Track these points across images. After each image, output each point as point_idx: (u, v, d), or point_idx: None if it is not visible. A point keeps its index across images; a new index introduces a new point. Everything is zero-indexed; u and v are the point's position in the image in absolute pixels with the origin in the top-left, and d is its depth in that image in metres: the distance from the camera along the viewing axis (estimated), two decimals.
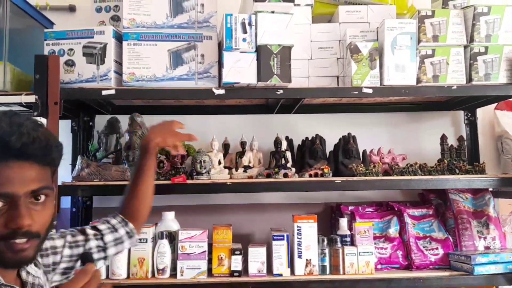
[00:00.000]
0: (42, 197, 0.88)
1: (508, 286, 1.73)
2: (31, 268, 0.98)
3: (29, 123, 0.87)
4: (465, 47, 1.74)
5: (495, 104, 2.04)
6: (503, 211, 1.91)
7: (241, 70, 1.63)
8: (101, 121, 1.97)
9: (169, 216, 1.76)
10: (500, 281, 1.67)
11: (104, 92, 1.64)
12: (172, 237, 1.71)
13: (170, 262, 1.67)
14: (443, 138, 1.89)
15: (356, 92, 1.68)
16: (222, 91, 1.65)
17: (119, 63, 1.70)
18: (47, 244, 1.08)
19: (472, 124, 2.05)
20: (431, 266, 1.73)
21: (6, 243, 0.84)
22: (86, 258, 1.10)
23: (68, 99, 1.65)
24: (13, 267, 0.89)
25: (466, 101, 1.96)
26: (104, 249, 1.21)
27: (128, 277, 1.65)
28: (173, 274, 1.67)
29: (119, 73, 1.70)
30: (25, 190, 0.85)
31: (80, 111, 1.94)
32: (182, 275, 1.64)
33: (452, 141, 1.94)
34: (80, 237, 1.17)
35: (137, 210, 1.32)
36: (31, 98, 1.58)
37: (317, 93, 1.71)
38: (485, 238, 1.78)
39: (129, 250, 1.65)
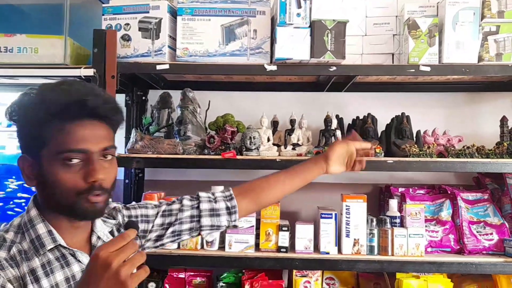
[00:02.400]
0: (109, 156, 0.94)
1: None
2: (103, 234, 1.03)
3: (99, 88, 0.95)
4: None
5: None
6: None
7: (294, 45, 1.61)
8: (153, 95, 2.02)
9: (219, 190, 1.78)
10: None
11: (158, 67, 1.67)
12: None
13: (219, 235, 1.71)
14: (503, 120, 1.80)
15: (413, 70, 1.63)
16: (274, 67, 1.64)
17: (173, 38, 1.72)
18: (138, 212, 1.13)
19: None
20: (484, 252, 1.68)
21: (84, 197, 0.90)
22: (130, 224, 1.05)
23: (124, 73, 1.69)
24: (88, 219, 0.96)
25: None
26: (198, 219, 1.18)
27: (178, 247, 1.70)
28: (222, 247, 1.71)
29: (173, 48, 1.72)
30: (98, 147, 0.91)
31: (134, 85, 1.99)
32: (230, 248, 1.68)
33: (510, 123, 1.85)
34: (176, 206, 1.18)
35: (259, 194, 1.26)
36: (90, 72, 1.64)
37: (371, 70, 1.67)
38: None
39: None
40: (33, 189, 0.96)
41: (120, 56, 1.69)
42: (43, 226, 0.93)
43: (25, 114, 0.91)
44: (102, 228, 1.03)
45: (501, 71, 1.63)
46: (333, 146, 1.28)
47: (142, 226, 1.13)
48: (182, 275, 1.79)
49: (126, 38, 1.71)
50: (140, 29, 1.70)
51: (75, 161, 0.89)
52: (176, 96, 1.89)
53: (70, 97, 0.88)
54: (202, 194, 1.22)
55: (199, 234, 1.20)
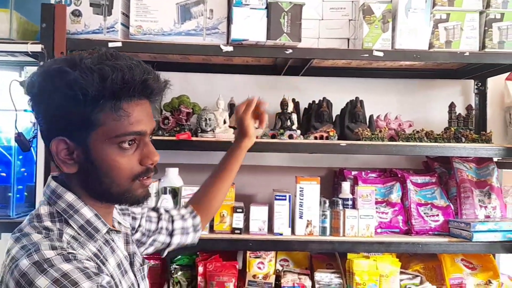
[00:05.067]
0: (151, 137, 0.90)
1: (505, 254, 1.76)
2: (123, 219, 1.00)
3: (149, 66, 0.87)
4: (481, 12, 1.70)
5: (506, 74, 2.00)
6: (506, 182, 1.91)
7: (250, 27, 1.60)
8: None
9: (173, 172, 1.77)
10: (498, 249, 1.69)
11: (110, 44, 1.61)
12: (175, 193, 1.73)
13: None
14: (452, 106, 1.86)
15: (367, 55, 1.65)
16: (230, 48, 1.63)
17: (126, 15, 1.67)
18: (138, 209, 1.10)
19: (481, 94, 2.02)
20: (430, 232, 1.75)
21: (140, 181, 0.86)
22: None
23: (74, 49, 1.63)
24: (138, 204, 0.90)
25: (477, 70, 1.93)
26: (171, 234, 1.18)
27: None
28: None
29: (126, 25, 1.67)
30: (150, 128, 0.87)
31: None
32: None
33: (460, 110, 1.92)
34: (153, 214, 1.16)
35: (210, 206, 1.29)
36: (37, 48, 1.57)
37: (326, 54, 1.68)
38: (486, 207, 1.79)
39: None
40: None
41: (70, 32, 1.62)
42: (89, 211, 0.86)
43: (65, 92, 0.79)
44: (116, 215, 1.00)
45: (450, 58, 1.68)
46: (238, 123, 1.40)
47: (131, 221, 1.09)
48: None
49: (77, 14, 1.64)
50: (91, 4, 1.63)
51: (131, 144, 0.84)
52: None
53: (132, 76, 0.81)
54: (173, 212, 1.21)
55: (160, 250, 1.20)
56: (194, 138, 1.67)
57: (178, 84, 1.96)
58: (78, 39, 1.62)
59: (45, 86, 0.81)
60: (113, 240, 0.91)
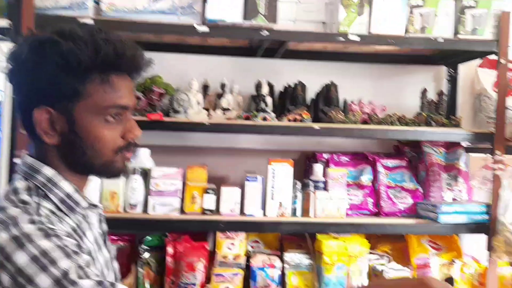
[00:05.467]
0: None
1: (469, 234, 1.81)
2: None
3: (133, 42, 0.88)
4: None
5: (478, 62, 2.03)
6: (473, 166, 1.96)
7: (226, 7, 1.58)
8: None
9: (144, 153, 1.75)
10: (463, 230, 1.75)
11: (81, 22, 1.57)
12: (145, 174, 1.71)
13: (143, 198, 1.68)
14: (424, 92, 1.89)
15: (343, 39, 1.66)
16: (205, 29, 1.60)
17: None
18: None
19: (453, 80, 2.06)
20: (399, 214, 1.79)
21: (122, 155, 0.88)
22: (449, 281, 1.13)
23: (43, 26, 1.57)
24: (117, 176, 0.92)
25: (450, 57, 1.96)
26: None
27: None
28: (145, 210, 1.68)
29: (97, 2, 1.62)
30: (133, 103, 0.89)
31: None
32: (154, 211, 1.66)
33: (432, 95, 1.95)
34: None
35: None
36: (4, 23, 1.52)
37: (303, 36, 1.68)
38: (453, 190, 1.83)
39: (101, 183, 1.65)
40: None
41: (38, 8, 1.57)
42: (69, 185, 0.86)
43: (56, 61, 0.79)
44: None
45: (425, 43, 1.70)
46: None
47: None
48: None
49: None
50: None
51: (116, 118, 0.85)
52: None
53: (124, 50, 0.83)
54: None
55: None
56: (166, 119, 1.65)
57: (152, 65, 1.92)
58: (47, 15, 1.57)
59: (34, 56, 0.81)
60: (88, 217, 0.92)
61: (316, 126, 1.68)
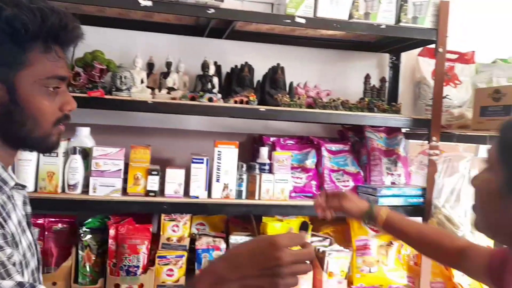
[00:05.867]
0: None
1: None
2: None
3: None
4: None
5: (419, 50, 2.11)
6: (412, 152, 2.04)
7: None
8: None
9: (84, 132, 1.68)
10: (400, 212, 1.80)
11: None
12: (86, 154, 1.64)
13: (83, 178, 1.61)
14: (367, 78, 1.94)
15: (289, 21, 1.65)
16: (149, 3, 1.54)
17: None
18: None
19: (395, 68, 2.12)
20: None
21: (57, 127, 0.86)
22: (304, 226, 1.26)
23: None
24: (51, 150, 0.90)
25: (392, 44, 2.01)
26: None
27: (35, 190, 1.57)
28: (85, 191, 1.62)
29: None
30: (70, 75, 0.89)
31: None
32: (94, 191, 1.59)
33: (375, 82, 2.00)
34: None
35: None
36: None
37: (249, 16, 1.66)
38: (392, 174, 1.91)
39: (38, 163, 1.56)
40: None
41: None
42: None
43: (1, 28, 0.77)
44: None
45: (368, 29, 1.74)
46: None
47: None
48: (40, 221, 1.66)
49: None
50: None
51: (55, 89, 0.84)
52: None
53: (67, 21, 0.83)
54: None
55: None
56: (107, 96, 1.58)
57: (92, 39, 1.81)
58: None
59: None
60: (13, 197, 0.87)
61: (262, 108, 1.68)
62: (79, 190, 1.60)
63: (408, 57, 2.15)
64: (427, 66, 2.12)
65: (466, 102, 2.07)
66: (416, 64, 2.14)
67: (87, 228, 1.68)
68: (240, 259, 0.80)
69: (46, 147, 0.89)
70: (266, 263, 0.77)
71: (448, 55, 1.92)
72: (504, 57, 2.10)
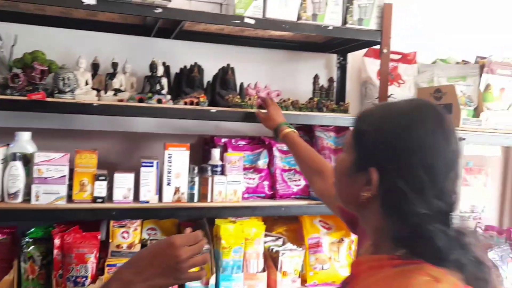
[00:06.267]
0: None
1: None
2: None
3: None
4: None
5: (364, 51, 2.17)
6: None
7: None
8: None
9: (24, 136, 1.58)
10: None
11: None
12: (27, 160, 1.55)
13: (24, 186, 1.52)
14: (316, 78, 1.97)
15: (238, 21, 1.64)
16: (92, 1, 1.48)
17: None
18: None
19: (342, 68, 2.17)
20: (293, 196, 1.85)
21: None
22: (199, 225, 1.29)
23: None
24: None
25: (339, 45, 2.05)
26: None
27: None
28: (27, 200, 1.53)
29: None
30: None
31: None
32: (37, 200, 1.51)
33: (323, 82, 2.04)
34: None
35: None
36: None
37: (198, 17, 1.63)
38: None
39: None
40: None
41: None
42: None
43: None
44: None
45: (315, 30, 1.76)
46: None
47: None
48: None
49: None
50: None
51: None
52: None
53: None
54: None
55: None
56: (49, 99, 1.51)
57: (32, 39, 1.74)
58: None
59: None
60: None
61: (213, 109, 1.66)
62: (20, 198, 1.51)
63: (354, 58, 2.21)
64: (372, 66, 2.18)
65: None
66: (362, 64, 2.21)
67: (30, 238, 1.59)
68: (144, 262, 0.92)
69: None
70: (167, 262, 0.91)
71: (392, 56, 1.99)
72: (443, 57, 2.20)
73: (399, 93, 2.14)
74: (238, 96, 1.76)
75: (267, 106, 1.69)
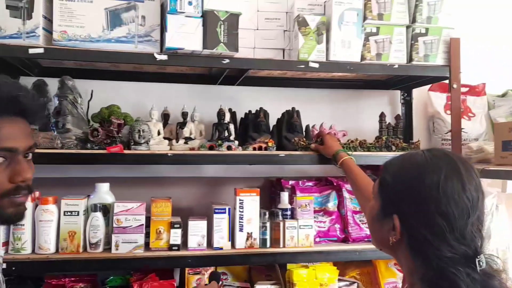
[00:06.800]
0: (30, 155, 0.92)
1: None
2: None
3: (24, 85, 0.93)
4: (408, 27, 1.79)
5: (429, 85, 2.12)
6: None
7: (185, 35, 1.55)
8: (26, 83, 1.79)
9: (104, 187, 1.66)
10: None
11: (31, 51, 1.48)
12: (106, 210, 1.62)
13: (104, 236, 1.58)
14: (382, 116, 1.94)
15: (303, 66, 1.67)
16: (164, 57, 1.56)
17: (49, 19, 1.54)
18: None
19: (407, 104, 2.13)
20: (366, 239, 1.79)
21: (10, 199, 0.87)
22: (213, 276, 1.29)
23: None
24: (13, 223, 0.94)
25: (404, 81, 2.02)
26: None
27: (57, 251, 1.53)
28: (107, 249, 1.58)
29: (49, 30, 1.55)
30: (24, 145, 0.89)
31: (2, 71, 1.74)
32: (117, 249, 1.56)
33: (388, 119, 2.00)
34: None
35: None
36: None
37: (265, 64, 1.68)
38: None
39: (58, 223, 1.54)
40: None
41: None
42: None
43: None
44: None
45: (381, 69, 1.75)
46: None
47: None
48: (61, 282, 1.62)
49: None
50: (8, 6, 1.49)
51: (1, 160, 0.86)
52: (53, 84, 1.70)
53: (2, 93, 0.86)
54: None
55: None
56: (126, 151, 1.58)
57: (107, 93, 1.85)
58: None
59: None
60: None
61: (282, 153, 1.67)
62: (101, 248, 1.57)
63: (419, 93, 2.16)
64: (439, 100, 2.12)
65: (482, 134, 2.07)
66: (428, 99, 2.15)
67: (109, 286, 1.64)
68: None
69: (4, 220, 0.89)
70: None
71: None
72: None
73: (469, 126, 2.07)
74: (304, 139, 1.76)
75: (323, 136, 1.71)
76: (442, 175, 0.88)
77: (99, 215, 1.57)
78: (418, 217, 0.87)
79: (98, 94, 1.79)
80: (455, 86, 1.77)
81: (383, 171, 0.99)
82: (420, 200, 0.88)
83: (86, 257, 1.53)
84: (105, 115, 1.67)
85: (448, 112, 2.08)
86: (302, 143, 1.73)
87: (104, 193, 1.65)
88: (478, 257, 0.85)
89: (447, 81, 1.83)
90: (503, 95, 2.11)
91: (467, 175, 0.89)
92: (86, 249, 1.56)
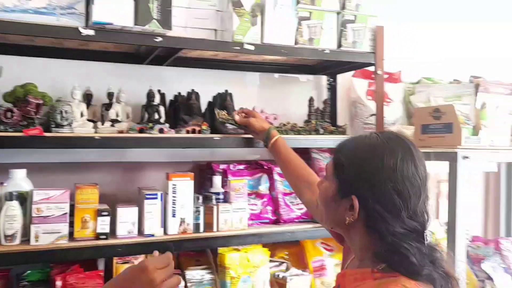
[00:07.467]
0: None
1: None
2: None
3: None
4: (338, 13, 1.83)
5: (352, 72, 2.21)
6: None
7: (115, 9, 1.44)
8: None
9: (19, 174, 1.50)
10: None
11: None
12: (23, 199, 1.47)
13: (21, 226, 1.44)
14: (311, 100, 1.98)
15: (238, 48, 1.64)
16: (91, 32, 1.44)
17: None
18: None
19: (333, 89, 2.19)
20: (296, 220, 1.84)
21: None
22: (168, 247, 1.32)
23: None
24: None
25: (331, 67, 2.08)
26: None
27: None
28: (25, 240, 1.44)
29: None
30: None
31: None
32: (37, 240, 1.43)
33: (315, 104, 2.05)
34: None
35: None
36: None
37: (200, 44, 1.62)
38: None
39: None
40: None
41: None
42: None
43: None
44: None
45: (313, 54, 1.78)
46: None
47: None
48: None
49: None
50: None
51: None
52: None
53: None
54: None
55: None
56: (47, 134, 1.44)
57: (21, 70, 1.67)
58: None
59: None
60: None
61: (217, 137, 1.64)
62: (18, 240, 1.43)
63: (342, 79, 2.24)
64: (361, 86, 2.22)
65: (399, 119, 2.21)
66: (351, 85, 2.24)
67: (27, 281, 1.50)
68: None
69: None
70: (143, 287, 0.95)
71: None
72: (428, 76, 2.27)
73: (387, 111, 2.18)
74: (225, 112, 1.73)
75: (252, 115, 1.68)
76: (398, 156, 0.93)
77: (15, 204, 1.43)
78: (376, 197, 0.92)
79: (9, 70, 1.60)
80: (379, 72, 1.86)
81: (336, 153, 1.03)
82: (379, 180, 0.93)
83: (1, 250, 1.38)
84: (20, 94, 1.51)
85: (369, 97, 2.19)
86: (223, 115, 1.70)
87: (20, 180, 1.50)
88: (425, 232, 0.93)
89: (371, 68, 1.92)
90: (417, 83, 2.27)
91: (418, 156, 0.96)
92: (0, 242, 1.41)
